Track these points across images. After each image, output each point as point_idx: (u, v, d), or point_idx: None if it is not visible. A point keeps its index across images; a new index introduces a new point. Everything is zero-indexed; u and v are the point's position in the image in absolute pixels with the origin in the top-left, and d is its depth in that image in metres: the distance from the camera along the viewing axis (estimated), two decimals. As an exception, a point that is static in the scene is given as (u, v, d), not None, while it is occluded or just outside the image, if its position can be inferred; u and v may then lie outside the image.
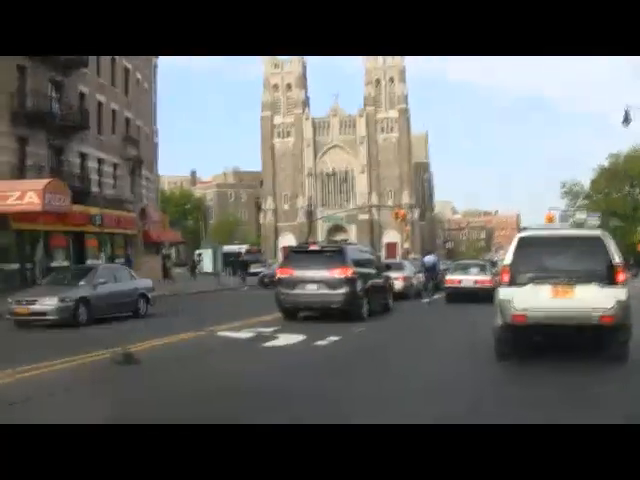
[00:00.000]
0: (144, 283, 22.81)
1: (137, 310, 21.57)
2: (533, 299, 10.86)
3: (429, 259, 30.49)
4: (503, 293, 11.26)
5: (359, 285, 19.33)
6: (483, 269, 29.32)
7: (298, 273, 19.15)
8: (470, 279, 27.89)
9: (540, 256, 11.23)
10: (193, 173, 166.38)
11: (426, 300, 27.46)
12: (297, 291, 19.07)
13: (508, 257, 11.46)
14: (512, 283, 11.13)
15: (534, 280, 10.98)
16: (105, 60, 42.99)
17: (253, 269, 60.28)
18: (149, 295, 22.50)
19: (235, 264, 60.20)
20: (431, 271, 29.87)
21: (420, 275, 31.11)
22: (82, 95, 39.56)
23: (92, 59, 39.97)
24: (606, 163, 67.78)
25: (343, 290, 18.76)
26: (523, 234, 11.78)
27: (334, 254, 19.69)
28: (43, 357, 11.97)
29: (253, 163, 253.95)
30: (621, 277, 10.84)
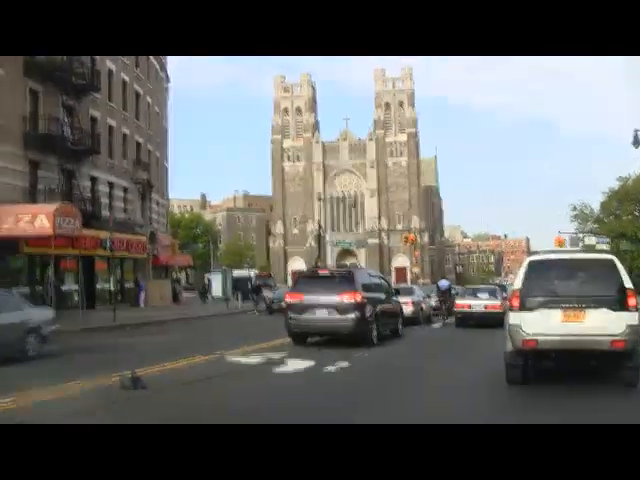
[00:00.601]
0: (38, 315, 17.44)
1: (24, 351, 16.25)
2: (543, 324, 10.79)
3: (443, 283, 31.92)
4: (513, 318, 11.18)
5: (368, 310, 19.22)
6: (493, 294, 29.31)
7: (307, 298, 19.06)
8: (480, 304, 27.91)
9: (550, 280, 11.15)
10: (203, 197, 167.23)
11: (438, 324, 27.55)
12: (306, 316, 18.97)
13: (518, 281, 11.39)
14: (522, 308, 11.05)
15: (544, 305, 10.90)
16: (116, 85, 43.40)
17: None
18: (45, 330, 17.08)
19: (244, 288, 60.16)
20: (445, 295, 31.30)
21: (429, 300, 31.67)
22: (93, 119, 39.87)
23: (104, 84, 40.36)
24: (616, 186, 67.58)
25: (352, 315, 18.64)
26: (533, 258, 11.73)
27: (343, 279, 19.60)
28: None
29: (263, 187, 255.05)
30: (632, 301, 10.75)
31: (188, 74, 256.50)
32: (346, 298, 18.79)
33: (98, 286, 39.75)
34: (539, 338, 10.84)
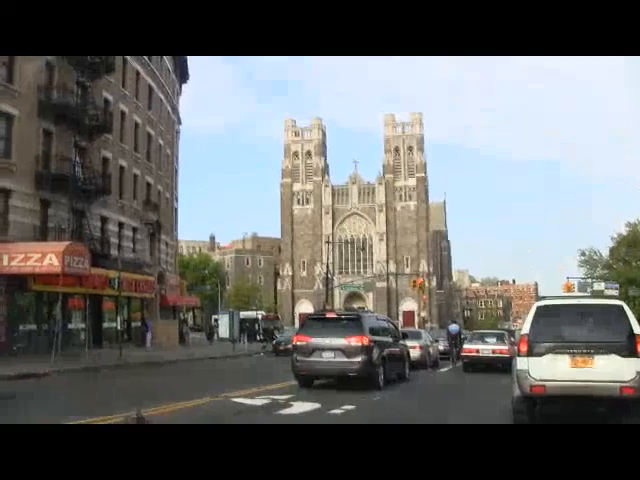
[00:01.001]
0: None
1: None
2: (551, 370, 10.68)
3: (454, 327, 32.64)
4: (521, 363, 11.07)
5: (376, 353, 19.16)
6: (501, 338, 29.26)
7: (315, 340, 19.05)
8: (488, 348, 27.88)
9: (558, 325, 11.04)
10: (212, 238, 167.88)
11: (445, 369, 27.47)
12: (313, 358, 18.92)
13: (526, 326, 11.29)
14: (530, 353, 10.96)
15: (552, 350, 10.79)
16: (129, 126, 43.88)
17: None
18: None
19: (251, 329, 60.23)
20: (455, 339, 31.92)
21: (437, 344, 31.91)
22: (105, 160, 40.24)
23: (116, 125, 40.84)
24: (624, 231, 67.56)
25: (359, 358, 18.54)
26: (541, 303, 11.64)
27: (351, 322, 19.56)
28: None
29: (272, 229, 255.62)
30: (642, 348, 10.64)
31: (198, 114, 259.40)
32: (353, 341, 18.72)
33: (105, 325, 39.65)
34: (547, 384, 10.70)
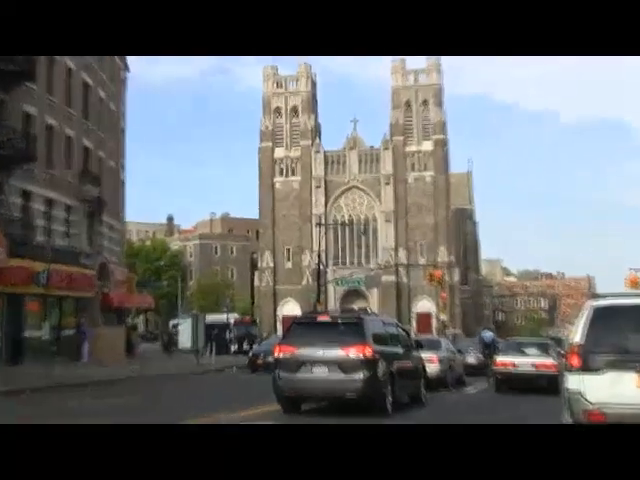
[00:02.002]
0: None
1: None
2: (613, 390, 10.62)
3: (488, 335, 32.65)
4: (572, 382, 11.08)
5: (382, 368, 19.14)
6: (545, 349, 29.53)
7: (302, 352, 19.06)
8: (527, 362, 28.01)
9: (622, 332, 11.04)
10: (170, 220, 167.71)
11: (472, 388, 27.55)
12: (301, 375, 18.93)
13: (578, 333, 11.28)
14: (584, 368, 10.94)
15: (614, 365, 10.75)
16: (59, 73, 43.45)
17: (244, 346, 60.64)
18: None
19: (220, 338, 60.18)
20: (490, 350, 33.02)
21: (466, 355, 32.00)
22: (27, 117, 39.93)
23: (41, 70, 40.35)
24: None
25: (361, 375, 18.54)
26: (598, 303, 11.60)
27: (350, 327, 19.58)
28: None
29: (247, 208, 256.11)
30: None
31: (154, 60, 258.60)
32: (353, 352, 18.72)
33: (27, 334, 39.33)
34: (607, 409, 10.61)
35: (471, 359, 36.05)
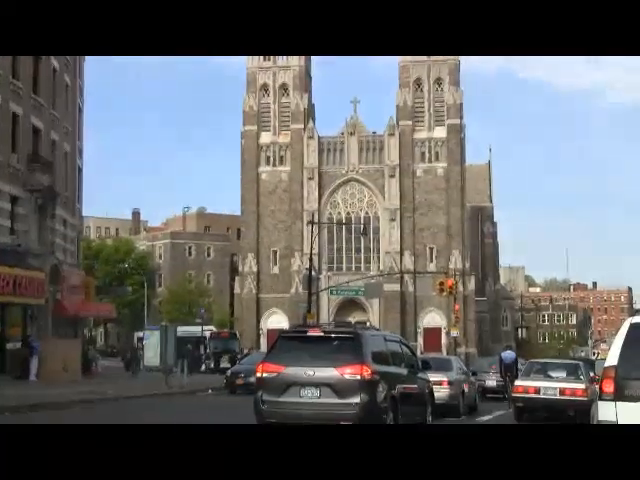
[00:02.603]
0: None
1: None
2: None
3: (508, 355, 33.12)
4: (604, 411, 11.08)
5: (382, 392, 19.12)
6: (574, 372, 29.59)
7: (290, 371, 19.04)
8: (553, 387, 27.99)
9: None
10: (136, 215, 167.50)
11: (487, 417, 27.55)
12: (288, 399, 18.90)
13: (613, 354, 11.30)
14: (619, 395, 10.94)
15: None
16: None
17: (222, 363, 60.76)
18: None
19: (193, 354, 60.14)
20: (511, 371, 33.60)
21: (474, 378, 32.28)
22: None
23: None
24: None
25: (357, 399, 18.50)
26: (637, 320, 11.63)
27: (345, 343, 19.60)
28: None
29: (227, 202, 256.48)
30: None
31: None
32: (348, 372, 18.70)
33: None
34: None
35: (491, 382, 36.47)
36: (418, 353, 68.56)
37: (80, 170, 59.50)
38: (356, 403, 18.43)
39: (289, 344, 20.49)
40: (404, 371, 21.66)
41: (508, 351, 35.84)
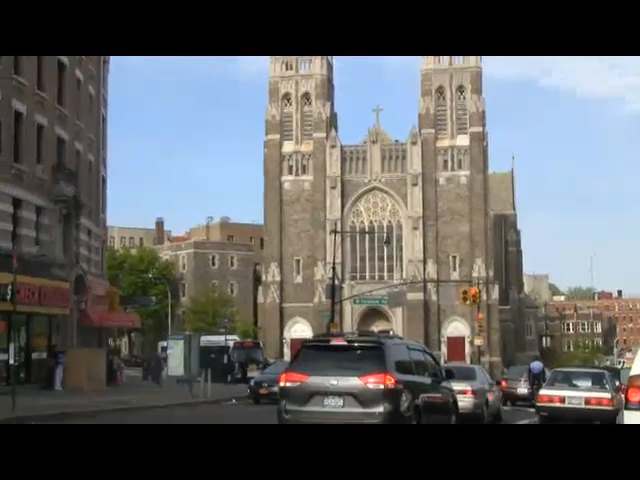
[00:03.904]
0: None
1: None
2: None
3: (537, 365, 34.42)
4: (631, 420, 10.87)
5: (405, 401, 19.06)
6: (599, 381, 29.42)
7: (313, 380, 19.04)
8: (579, 396, 27.86)
9: None
10: (159, 225, 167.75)
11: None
12: (311, 408, 18.86)
13: (639, 364, 11.20)
14: None
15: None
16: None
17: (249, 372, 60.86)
18: None
19: (217, 363, 60.17)
20: (539, 381, 34.57)
21: (497, 389, 32.87)
22: (-9, 102, 40.02)
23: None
24: None
25: (381, 408, 18.43)
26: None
27: (368, 352, 19.56)
28: None
29: (250, 212, 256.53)
30: None
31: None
32: (372, 382, 18.65)
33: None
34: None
35: (522, 390, 37.28)
36: (442, 362, 68.45)
37: (104, 180, 59.63)
38: (380, 412, 18.35)
39: (312, 353, 20.43)
40: (428, 380, 21.60)
41: (536, 362, 36.82)
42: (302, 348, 21.43)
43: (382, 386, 18.53)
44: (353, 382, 18.69)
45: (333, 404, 18.69)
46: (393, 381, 18.68)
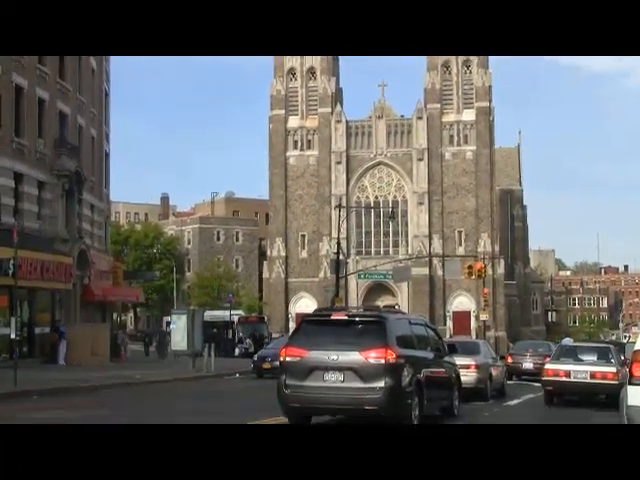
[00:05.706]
0: None
1: None
2: None
3: (568, 342, 35.11)
4: (633, 396, 11.01)
5: (407, 376, 19.01)
6: (605, 355, 29.33)
7: (313, 355, 18.92)
8: (584, 370, 27.82)
9: None
10: (164, 200, 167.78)
11: (514, 401, 27.42)
12: (311, 382, 18.78)
13: (644, 338, 11.05)
14: None
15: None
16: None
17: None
18: None
19: (220, 338, 60.26)
20: None
21: (501, 363, 32.97)
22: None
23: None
24: None
25: (382, 383, 18.33)
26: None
27: (369, 326, 19.46)
28: None
29: (255, 187, 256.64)
30: None
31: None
32: (373, 356, 18.54)
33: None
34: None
35: (527, 364, 37.45)
36: (447, 337, 68.59)
37: (107, 155, 59.56)
38: (380, 387, 18.27)
39: (313, 328, 20.36)
40: (430, 355, 21.59)
41: (567, 338, 37.44)
42: (302, 322, 21.45)
43: (383, 361, 18.43)
44: (354, 357, 18.57)
45: (333, 379, 18.56)
46: (394, 356, 18.58)
